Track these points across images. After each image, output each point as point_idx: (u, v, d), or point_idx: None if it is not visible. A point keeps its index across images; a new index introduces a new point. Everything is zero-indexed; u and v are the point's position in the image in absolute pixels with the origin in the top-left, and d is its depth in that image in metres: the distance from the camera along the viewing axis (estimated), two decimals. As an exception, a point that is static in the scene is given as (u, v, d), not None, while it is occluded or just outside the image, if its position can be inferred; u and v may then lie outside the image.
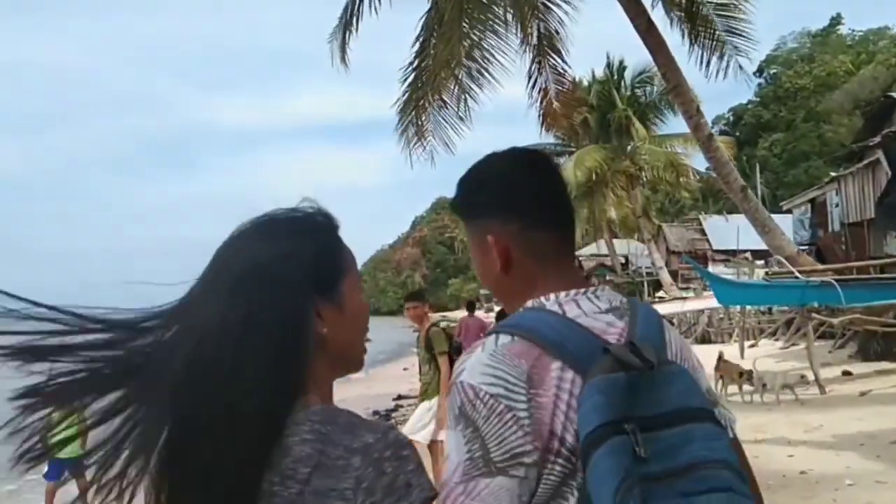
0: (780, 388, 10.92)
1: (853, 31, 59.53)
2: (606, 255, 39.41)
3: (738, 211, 14.67)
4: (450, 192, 1.36)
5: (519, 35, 13.54)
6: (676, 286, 32.64)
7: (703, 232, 41.46)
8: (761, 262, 23.74)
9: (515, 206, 1.25)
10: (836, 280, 11.79)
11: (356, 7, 13.52)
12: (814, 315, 12.59)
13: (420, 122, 13.92)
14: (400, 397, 16.78)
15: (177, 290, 1.11)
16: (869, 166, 19.56)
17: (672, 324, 1.32)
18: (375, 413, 14.05)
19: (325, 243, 1.12)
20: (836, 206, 22.58)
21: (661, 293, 31.72)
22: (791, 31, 65.32)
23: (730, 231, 33.13)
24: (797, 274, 11.97)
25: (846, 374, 13.01)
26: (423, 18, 13.48)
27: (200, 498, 1.00)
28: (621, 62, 35.13)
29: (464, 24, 12.84)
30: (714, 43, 12.95)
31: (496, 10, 13.27)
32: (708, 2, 12.78)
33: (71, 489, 8.52)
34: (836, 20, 60.33)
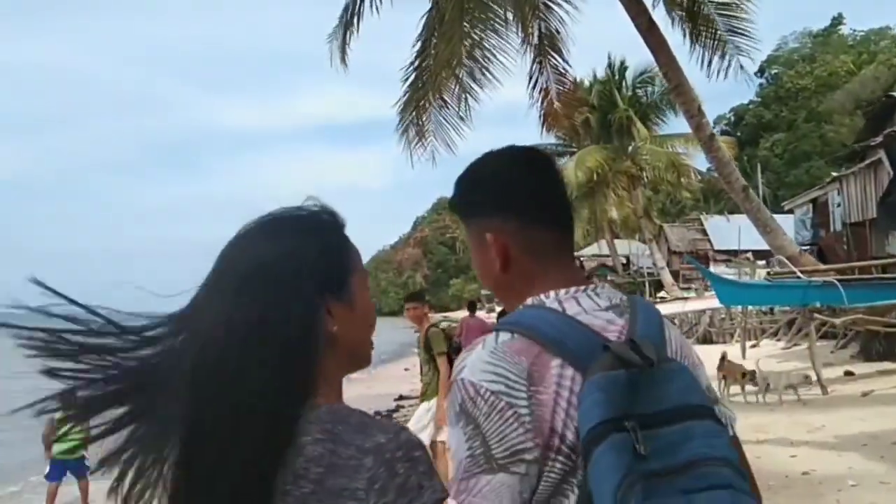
0: (783, 388, 10.90)
1: (854, 31, 59.54)
2: (608, 256, 39.40)
3: (740, 211, 14.65)
4: (451, 192, 1.36)
5: (520, 35, 13.52)
6: (678, 286, 32.64)
7: (704, 232, 41.44)
8: (763, 263, 23.74)
9: (513, 204, 1.24)
10: (839, 280, 11.76)
11: (357, 7, 13.51)
12: (816, 315, 12.56)
13: (421, 122, 13.90)
14: (401, 398, 16.77)
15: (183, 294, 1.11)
16: (871, 166, 19.53)
17: (673, 323, 1.31)
18: (377, 413, 14.04)
19: (331, 241, 1.12)
20: (838, 205, 22.55)
21: (662, 293, 31.70)
22: (792, 31, 65.19)
23: (731, 231, 33.13)
24: (799, 274, 11.95)
25: (848, 374, 12.99)
26: (424, 18, 13.48)
27: (207, 500, 1.00)
28: (622, 62, 35.18)
29: (464, 24, 12.83)
30: (715, 42, 12.92)
31: (497, 9, 13.24)
32: (709, 1, 12.75)
33: (73, 490, 8.55)
34: (837, 20, 60.29)
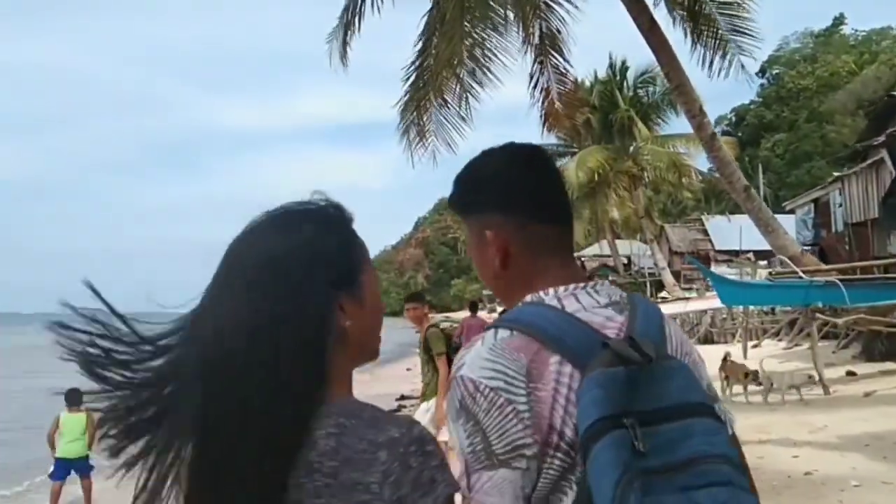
0: (787, 388, 10.88)
1: (856, 31, 59.49)
2: (609, 256, 39.39)
3: (741, 211, 14.62)
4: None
5: (521, 34, 13.51)
6: (679, 287, 32.61)
7: (705, 232, 41.42)
8: (764, 263, 23.74)
9: (513, 201, 1.24)
10: (841, 280, 11.74)
11: (358, 6, 13.49)
12: (818, 315, 12.53)
13: (421, 122, 13.88)
14: (403, 398, 16.75)
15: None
16: (873, 166, 19.48)
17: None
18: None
19: (342, 235, 1.11)
20: (840, 205, 22.50)
21: (663, 293, 31.65)
22: (794, 31, 65.04)
23: (732, 231, 33.10)
24: (801, 274, 11.92)
25: (850, 374, 12.97)
26: (425, 17, 13.47)
27: (221, 497, 1.00)
28: (624, 62, 35.15)
29: (465, 23, 12.81)
30: (717, 42, 12.89)
31: (498, 8, 13.22)
32: (711, 0, 12.73)
33: (76, 489, 8.55)
34: (838, 20, 60.23)
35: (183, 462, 1.05)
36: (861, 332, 14.62)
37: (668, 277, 33.04)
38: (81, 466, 8.33)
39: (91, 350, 1.08)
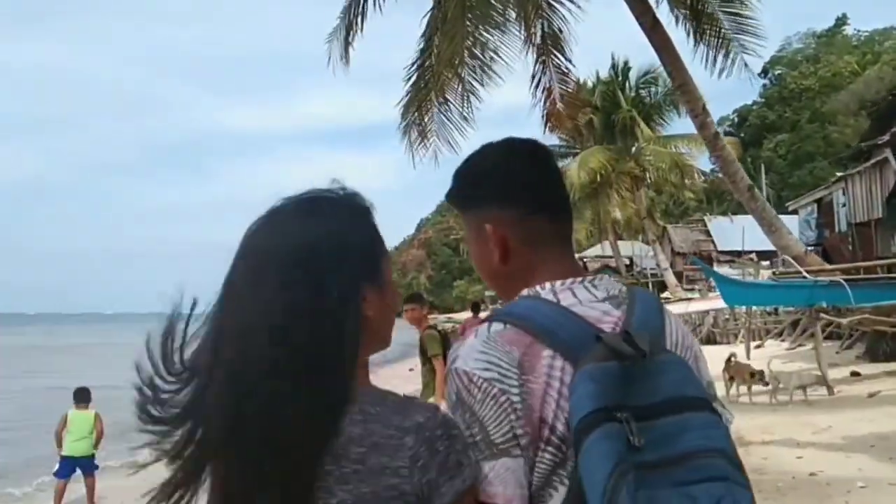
0: (794, 388, 10.83)
1: (859, 31, 59.45)
2: (611, 257, 39.29)
3: (743, 212, 14.55)
4: (454, 193, 1.33)
5: (522, 34, 13.46)
6: (681, 287, 32.54)
7: (707, 233, 41.38)
8: (766, 263, 23.72)
9: (512, 195, 1.24)
10: (844, 280, 11.68)
11: (360, 6, 13.45)
12: (821, 315, 12.47)
13: (423, 123, 13.84)
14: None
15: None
16: (876, 165, 19.39)
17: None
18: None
19: (367, 224, 1.12)
20: (843, 205, 22.42)
21: (666, 294, 31.55)
22: (796, 31, 65.06)
23: (735, 232, 33.05)
24: (805, 274, 11.86)
25: (854, 374, 12.92)
26: (427, 17, 13.43)
27: (256, 491, 0.98)
28: (626, 63, 35.12)
29: (467, 23, 12.76)
30: (720, 41, 12.83)
31: (499, 7, 13.18)
32: (713, -1, 12.67)
33: (80, 488, 8.56)
34: (841, 21, 60.18)
35: (211, 461, 1.03)
36: (865, 332, 14.56)
37: (670, 278, 32.99)
38: (86, 465, 8.37)
39: (144, 393, 1.07)
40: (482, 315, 11.77)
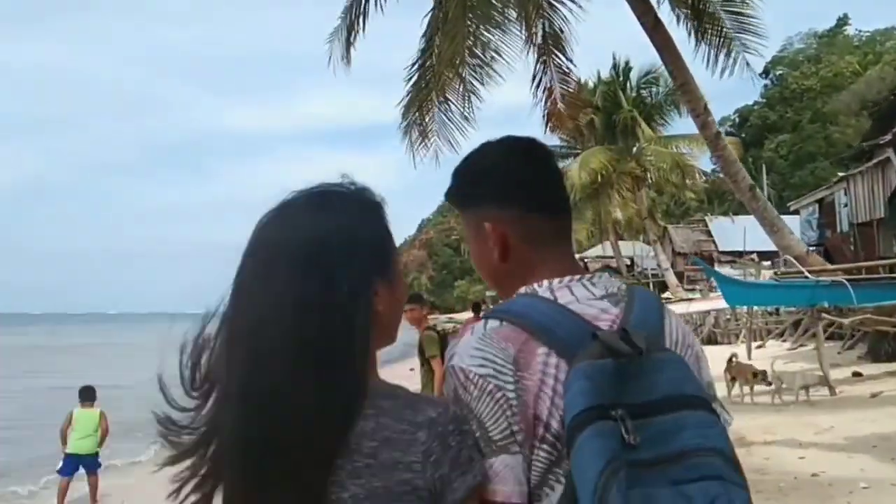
0: (799, 388, 10.80)
1: (860, 31, 59.36)
2: (612, 257, 39.25)
3: (744, 212, 14.52)
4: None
5: (523, 34, 13.44)
6: (682, 287, 32.51)
7: (708, 233, 41.36)
8: (768, 264, 23.69)
9: (511, 193, 1.24)
10: (848, 280, 11.65)
11: (362, 6, 13.43)
12: (823, 315, 12.45)
13: (424, 123, 13.82)
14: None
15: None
16: (878, 165, 19.37)
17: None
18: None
19: (379, 219, 1.12)
20: (845, 205, 22.40)
21: (666, 294, 31.54)
22: (797, 31, 64.94)
23: (736, 232, 33.03)
24: (807, 274, 11.84)
25: (856, 375, 12.89)
26: (428, 17, 13.42)
27: (271, 487, 0.99)
28: (627, 63, 35.08)
29: (468, 23, 12.74)
30: (721, 40, 12.80)
31: (500, 7, 13.16)
32: (715, -2, 12.64)
33: (83, 486, 8.57)
34: (842, 21, 60.10)
35: (224, 460, 1.03)
36: (867, 332, 14.53)
37: (671, 278, 32.97)
38: (90, 463, 8.41)
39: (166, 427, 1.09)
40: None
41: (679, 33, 12.63)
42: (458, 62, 12.92)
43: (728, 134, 46.39)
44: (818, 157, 48.05)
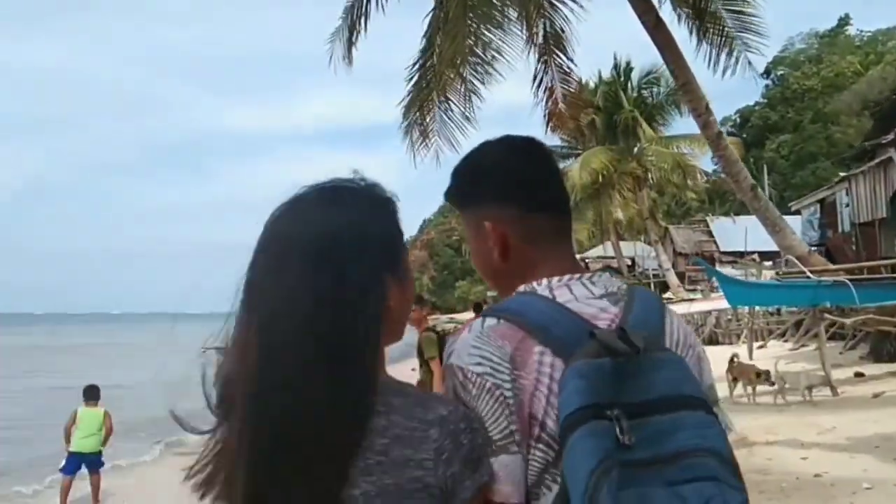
0: (804, 388, 10.77)
1: (861, 31, 59.21)
2: (613, 258, 39.22)
3: (746, 212, 14.49)
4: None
5: (524, 33, 13.42)
6: (683, 288, 32.47)
7: (710, 233, 41.32)
8: (769, 264, 23.63)
9: (511, 192, 1.23)
10: (850, 280, 11.63)
11: (363, 6, 13.42)
12: (825, 315, 12.42)
13: (424, 122, 13.81)
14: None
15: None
16: (880, 165, 19.34)
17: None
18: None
19: (389, 214, 1.12)
20: (847, 205, 22.37)
21: (668, 295, 31.52)
22: (799, 31, 64.85)
23: (737, 232, 33.02)
24: (809, 274, 11.81)
25: (858, 375, 12.87)
26: (429, 17, 13.41)
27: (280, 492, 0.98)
28: (628, 63, 35.03)
29: (469, 22, 12.73)
30: (723, 39, 12.78)
31: (501, 6, 13.14)
32: (716, -3, 12.61)
33: (85, 485, 8.57)
34: (844, 21, 59.99)
35: (235, 454, 1.02)
36: (869, 332, 14.51)
37: (672, 279, 32.93)
38: (93, 462, 8.42)
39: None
40: (484, 315, 11.79)
41: (680, 32, 12.64)
42: (458, 62, 12.91)
43: (729, 134, 46.34)
44: (819, 157, 47.97)
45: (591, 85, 32.89)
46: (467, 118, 13.52)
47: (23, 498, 9.81)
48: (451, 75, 13.20)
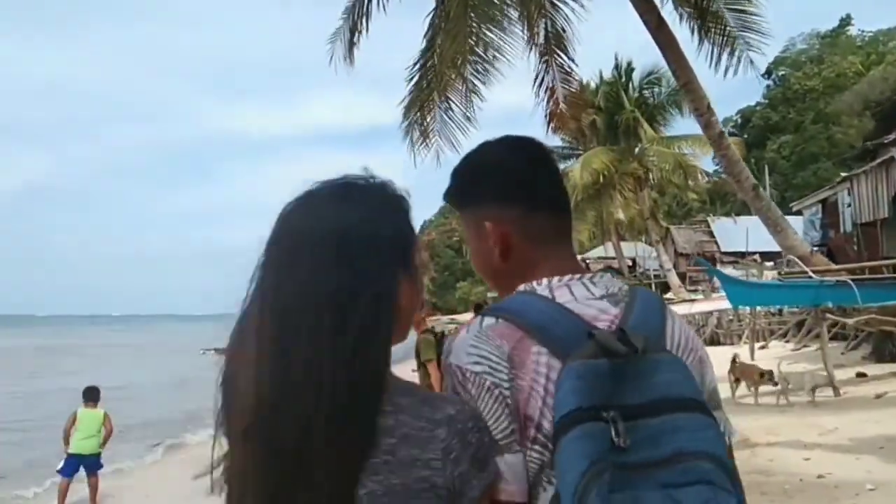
0: (809, 388, 10.74)
1: (863, 31, 59.18)
2: (614, 258, 39.22)
3: (747, 213, 14.47)
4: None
5: (525, 33, 13.40)
6: (685, 288, 32.48)
7: (711, 234, 41.34)
8: (770, 264, 23.60)
9: (512, 192, 1.23)
10: (851, 280, 11.60)
11: (364, 6, 13.40)
12: (828, 315, 12.39)
13: (425, 123, 13.78)
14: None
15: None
16: (882, 165, 19.31)
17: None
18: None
19: (400, 212, 1.11)
20: (848, 205, 22.34)
21: (669, 295, 31.51)
22: (800, 32, 64.78)
23: (738, 233, 33.04)
24: (811, 274, 11.78)
25: (860, 375, 12.83)
26: (430, 16, 13.39)
27: (300, 486, 0.97)
28: (629, 63, 35.04)
29: (470, 22, 12.71)
30: (725, 39, 12.74)
31: (502, 6, 13.12)
32: (718, -3, 12.58)
33: (84, 487, 8.56)
34: (845, 21, 59.99)
35: (245, 452, 1.01)
36: (871, 333, 14.47)
37: (673, 279, 32.92)
38: (92, 463, 8.41)
39: None
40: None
41: (682, 32, 12.59)
42: (459, 61, 12.88)
43: (730, 135, 46.23)
44: (821, 157, 47.97)
45: (593, 85, 32.92)
46: (468, 118, 13.49)
47: (23, 501, 9.80)
48: (452, 75, 13.17)
